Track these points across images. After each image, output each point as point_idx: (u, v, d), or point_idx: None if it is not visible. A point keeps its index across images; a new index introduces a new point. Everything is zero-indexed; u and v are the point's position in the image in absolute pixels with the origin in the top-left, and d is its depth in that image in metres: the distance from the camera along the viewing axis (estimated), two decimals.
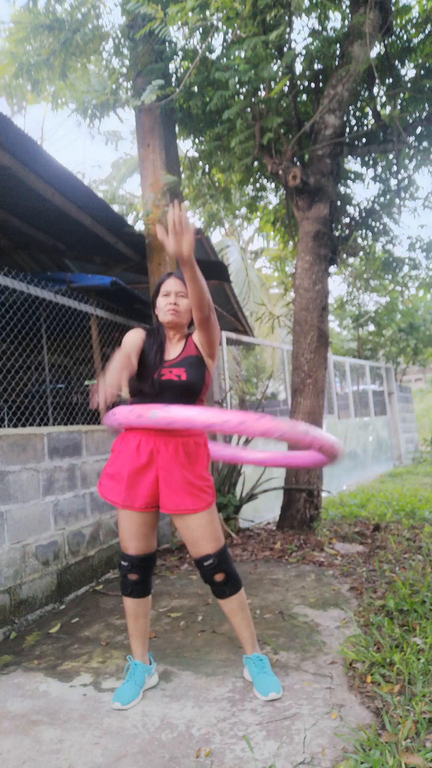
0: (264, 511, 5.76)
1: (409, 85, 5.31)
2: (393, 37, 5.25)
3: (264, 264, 17.00)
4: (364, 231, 6.18)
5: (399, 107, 5.40)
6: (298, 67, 5.14)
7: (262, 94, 4.67)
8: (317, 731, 1.89)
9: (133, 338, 2.24)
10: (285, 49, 4.85)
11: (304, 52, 4.85)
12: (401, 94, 5.40)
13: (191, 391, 2.22)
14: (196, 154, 5.87)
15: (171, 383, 2.19)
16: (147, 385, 2.19)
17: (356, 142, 5.60)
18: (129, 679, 2.25)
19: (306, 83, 5.39)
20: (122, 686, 2.23)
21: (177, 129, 5.49)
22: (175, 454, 2.18)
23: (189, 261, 1.96)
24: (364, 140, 5.60)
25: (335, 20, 5.73)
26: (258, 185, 6.14)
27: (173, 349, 2.30)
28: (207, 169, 5.91)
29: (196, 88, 4.84)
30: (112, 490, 2.23)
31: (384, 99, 5.61)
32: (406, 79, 5.42)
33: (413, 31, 5.28)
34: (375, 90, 5.42)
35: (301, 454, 2.79)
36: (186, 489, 2.17)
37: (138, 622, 2.31)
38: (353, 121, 5.77)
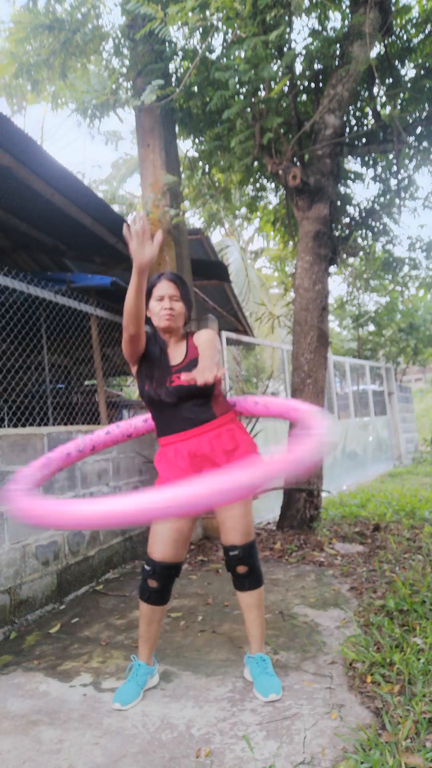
0: (264, 511, 5.76)
1: (409, 85, 5.31)
2: (393, 37, 5.25)
3: (264, 264, 17.01)
4: (364, 231, 6.18)
5: (399, 107, 5.40)
6: (298, 67, 5.13)
7: (262, 94, 4.67)
8: (317, 731, 1.89)
9: None
10: (285, 49, 4.85)
11: (304, 52, 4.85)
12: (401, 94, 5.40)
13: (204, 392, 2.21)
14: (196, 154, 5.87)
15: (182, 389, 2.17)
16: (162, 395, 2.19)
17: (356, 142, 5.60)
18: (131, 679, 2.24)
19: (306, 83, 5.38)
20: (123, 686, 2.23)
21: (177, 129, 5.49)
22: (211, 446, 2.17)
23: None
24: (364, 140, 5.60)
25: (335, 20, 5.74)
26: (258, 185, 6.14)
27: (176, 354, 2.29)
28: (207, 169, 5.91)
29: (196, 88, 4.83)
30: None
31: (384, 99, 5.60)
32: (406, 79, 5.41)
33: (413, 31, 5.28)
34: (375, 90, 5.42)
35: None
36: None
37: (151, 626, 2.28)
38: (353, 121, 5.77)
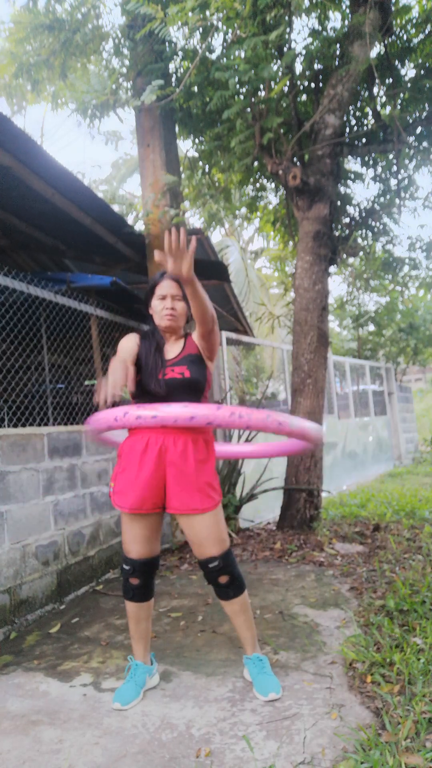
0: (264, 511, 5.76)
1: (409, 85, 5.31)
2: (393, 37, 5.25)
3: (264, 264, 17.00)
4: (364, 231, 6.18)
5: (399, 107, 5.40)
6: (298, 67, 5.14)
7: (262, 94, 4.67)
8: (317, 731, 1.89)
9: (128, 345, 2.25)
10: (285, 49, 4.85)
11: (304, 52, 4.85)
12: (401, 94, 5.40)
13: (196, 388, 2.21)
14: (196, 154, 5.87)
15: (175, 381, 2.18)
16: (153, 386, 2.17)
17: (356, 142, 5.60)
18: (130, 679, 2.24)
19: (306, 83, 5.38)
20: (122, 686, 2.23)
21: (177, 129, 5.49)
22: (184, 451, 2.15)
23: (189, 281, 1.98)
24: (364, 140, 5.60)
25: (335, 20, 5.74)
26: (258, 185, 6.14)
27: (173, 349, 2.30)
28: (207, 169, 5.91)
29: (196, 88, 4.84)
30: (122, 497, 2.19)
31: (384, 99, 5.60)
32: (406, 79, 5.42)
33: (413, 31, 5.28)
34: (375, 90, 5.42)
35: (287, 443, 2.78)
36: (195, 488, 2.14)
37: (140, 625, 2.29)
38: (353, 121, 5.77)
